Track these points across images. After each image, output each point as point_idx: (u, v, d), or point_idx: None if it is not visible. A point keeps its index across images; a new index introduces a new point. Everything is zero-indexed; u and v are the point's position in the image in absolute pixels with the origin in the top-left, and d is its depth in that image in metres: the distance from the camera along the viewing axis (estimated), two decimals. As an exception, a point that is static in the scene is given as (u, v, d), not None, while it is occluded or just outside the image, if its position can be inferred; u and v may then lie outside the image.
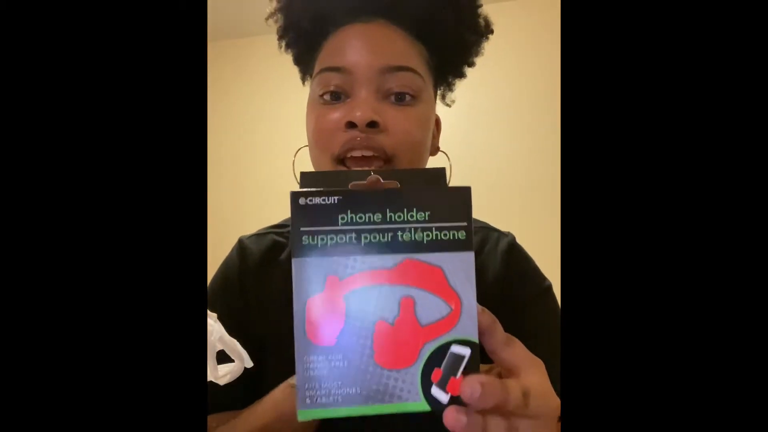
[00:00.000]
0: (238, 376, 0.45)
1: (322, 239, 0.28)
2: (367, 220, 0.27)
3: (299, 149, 0.62)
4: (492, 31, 0.61)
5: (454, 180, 1.93)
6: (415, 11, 0.54)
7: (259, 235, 0.64)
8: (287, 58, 0.68)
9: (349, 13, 0.55)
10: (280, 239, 0.63)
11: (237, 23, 2.52)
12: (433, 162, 0.59)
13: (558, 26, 1.99)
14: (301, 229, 0.28)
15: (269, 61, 2.58)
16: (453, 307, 0.28)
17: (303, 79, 0.65)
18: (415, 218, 0.28)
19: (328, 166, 0.53)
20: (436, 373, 0.28)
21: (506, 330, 0.35)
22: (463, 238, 0.28)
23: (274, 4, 0.60)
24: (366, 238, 0.27)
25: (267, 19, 0.60)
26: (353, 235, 0.27)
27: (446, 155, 0.62)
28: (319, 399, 0.28)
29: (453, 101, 0.65)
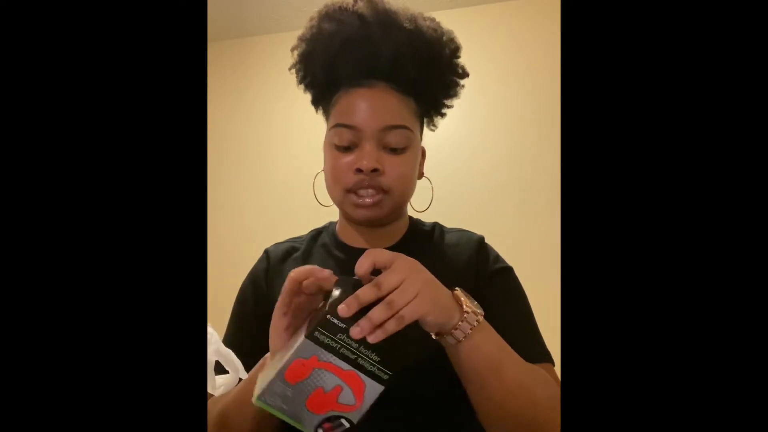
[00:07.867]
0: (233, 386, 0.45)
1: (324, 340, 0.47)
2: (349, 346, 0.48)
3: (317, 174, 0.79)
4: (468, 75, 0.78)
5: (450, 181, 1.94)
6: (406, 74, 0.71)
7: (280, 243, 0.85)
8: (287, 59, 0.79)
9: (356, 76, 0.71)
10: (296, 244, 0.83)
11: (237, 23, 2.52)
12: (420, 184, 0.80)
13: (558, 26, 1.99)
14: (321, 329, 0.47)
15: (269, 61, 2.57)
16: (357, 403, 0.48)
17: (314, 106, 0.81)
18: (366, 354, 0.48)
19: (340, 194, 0.73)
20: (327, 426, 0.49)
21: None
22: (385, 377, 0.47)
23: (296, 57, 0.76)
24: (342, 352, 0.47)
25: (290, 69, 0.78)
26: (340, 349, 0.47)
27: (429, 180, 0.83)
28: (268, 399, 0.48)
29: (437, 126, 0.82)
